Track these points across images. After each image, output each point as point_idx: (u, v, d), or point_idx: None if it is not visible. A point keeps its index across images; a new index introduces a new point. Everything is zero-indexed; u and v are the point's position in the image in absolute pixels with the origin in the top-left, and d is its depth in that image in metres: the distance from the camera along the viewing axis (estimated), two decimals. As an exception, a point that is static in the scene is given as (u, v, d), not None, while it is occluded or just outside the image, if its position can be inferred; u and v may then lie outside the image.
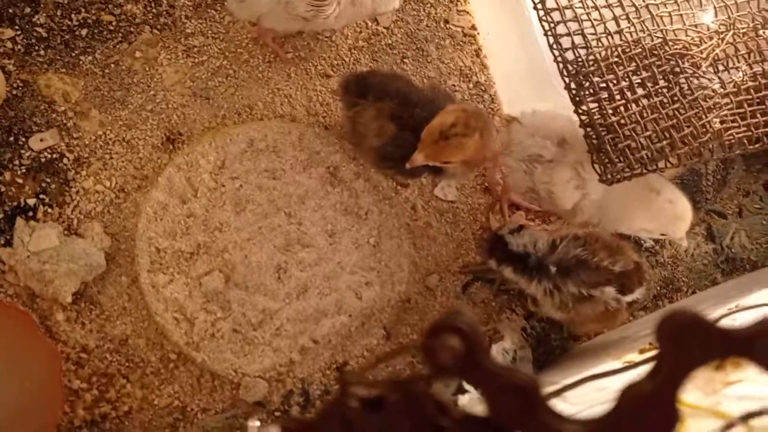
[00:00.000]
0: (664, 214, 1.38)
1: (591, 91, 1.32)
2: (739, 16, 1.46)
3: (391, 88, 1.33)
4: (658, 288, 1.60)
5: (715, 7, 1.46)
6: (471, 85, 1.66)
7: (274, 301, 1.37)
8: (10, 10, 1.42)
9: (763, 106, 1.43)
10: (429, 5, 1.68)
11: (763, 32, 1.46)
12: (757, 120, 1.41)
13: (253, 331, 1.35)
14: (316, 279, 1.39)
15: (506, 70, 1.66)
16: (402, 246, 1.47)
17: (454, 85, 1.65)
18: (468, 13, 1.70)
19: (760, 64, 1.45)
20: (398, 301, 1.45)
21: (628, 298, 1.31)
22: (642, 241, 1.61)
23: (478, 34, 1.70)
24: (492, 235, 1.37)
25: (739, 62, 1.44)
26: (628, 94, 1.32)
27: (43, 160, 1.37)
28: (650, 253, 1.63)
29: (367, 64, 1.60)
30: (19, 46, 1.41)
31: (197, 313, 1.33)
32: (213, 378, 1.36)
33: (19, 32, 1.41)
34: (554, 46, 1.33)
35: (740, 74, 1.43)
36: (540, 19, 1.34)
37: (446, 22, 1.69)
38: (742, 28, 1.45)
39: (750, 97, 1.42)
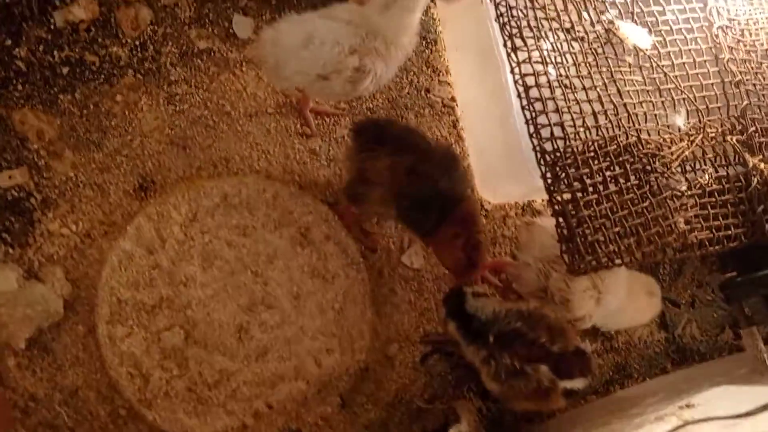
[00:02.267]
0: (655, 309, 1.48)
1: (566, 182, 1.31)
2: (709, 120, 1.48)
3: (409, 141, 1.34)
4: (610, 373, 1.60)
5: (687, 110, 1.47)
6: (447, 156, 1.65)
7: (233, 362, 1.32)
8: (-12, 42, 1.36)
9: (725, 210, 1.45)
10: (412, 73, 1.67)
11: (731, 138, 1.48)
12: (719, 222, 1.42)
13: (209, 392, 1.30)
14: (277, 342, 1.35)
15: (482, 145, 1.65)
16: (365, 313, 1.44)
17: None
18: (449, 84, 1.70)
19: (725, 168, 1.47)
20: (357, 369, 1.41)
21: (566, 382, 1.31)
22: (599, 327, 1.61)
23: (457, 106, 1.70)
24: (457, 287, 1.38)
25: (706, 165, 1.46)
26: (601, 188, 1.32)
27: (9, 198, 1.31)
28: (605, 338, 1.62)
29: (346, 126, 1.57)
30: None
31: (153, 370, 1.28)
32: (162, 437, 1.30)
33: None
34: (534, 135, 1.32)
35: (706, 177, 1.45)
36: (522, 108, 1.33)
37: (427, 91, 1.68)
38: (711, 133, 1.47)
39: (714, 199, 1.43)
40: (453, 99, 1.70)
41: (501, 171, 1.62)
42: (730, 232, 1.43)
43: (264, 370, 1.33)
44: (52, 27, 1.40)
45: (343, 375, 1.39)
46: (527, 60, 1.34)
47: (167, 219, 1.35)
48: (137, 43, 1.45)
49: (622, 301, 1.46)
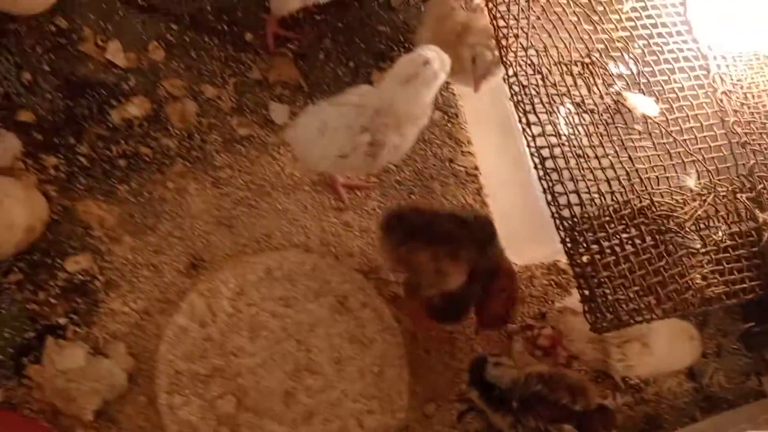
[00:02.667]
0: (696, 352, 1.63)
1: (584, 246, 1.39)
2: (719, 180, 1.55)
3: (441, 228, 1.42)
4: (642, 424, 1.65)
5: (697, 171, 1.55)
6: (473, 220, 1.74)
7: (281, 426, 1.41)
8: (55, 140, 1.50)
9: (740, 264, 1.51)
10: (436, 146, 1.78)
11: (741, 195, 1.55)
12: (734, 277, 1.48)
13: None
14: (321, 406, 1.43)
15: (506, 210, 1.75)
16: (402, 374, 1.52)
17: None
18: (471, 154, 1.81)
19: (738, 224, 1.54)
20: (397, 428, 1.49)
21: None
22: (628, 378, 1.67)
23: (480, 174, 1.80)
24: (479, 356, 1.47)
25: (718, 222, 1.53)
26: (619, 250, 1.40)
27: (76, 281, 1.43)
28: (635, 390, 1.68)
29: (377, 198, 1.68)
30: (62, 173, 1.49)
31: None
32: (218, 497, 1.38)
33: (62, 160, 1.49)
34: (551, 203, 1.41)
35: (720, 234, 1.52)
36: (539, 178, 1.43)
37: (451, 161, 1.78)
38: (722, 191, 1.54)
39: (728, 255, 1.50)
40: (476, 168, 1.80)
41: (525, 234, 1.70)
42: (745, 285, 1.49)
43: (312, 432, 1.42)
44: (110, 125, 1.54)
45: (384, 435, 1.47)
46: (541, 134, 1.44)
47: (217, 294, 1.46)
48: (185, 134, 1.59)
49: (665, 348, 1.57)
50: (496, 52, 1.49)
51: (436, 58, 1.34)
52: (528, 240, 1.69)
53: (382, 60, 1.79)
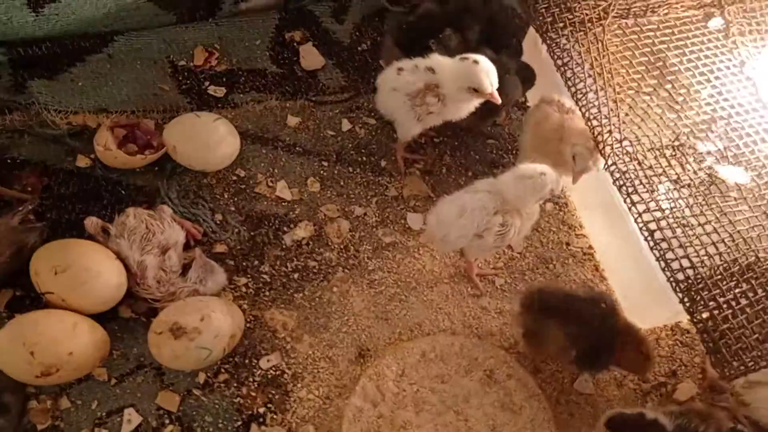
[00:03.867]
0: None
1: (702, 304, 1.51)
2: (818, 230, 1.65)
3: (573, 310, 1.59)
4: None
5: (796, 224, 1.66)
6: (595, 294, 1.89)
7: None
8: (244, 263, 1.79)
9: None
10: (552, 232, 1.96)
11: None
12: None
13: None
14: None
15: (623, 281, 1.88)
16: (552, 436, 1.64)
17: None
18: (585, 236, 1.97)
19: None
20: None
21: None
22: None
23: (595, 252, 1.96)
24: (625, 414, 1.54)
25: (825, 267, 1.61)
26: (734, 304, 1.51)
27: (269, 376, 1.67)
28: None
29: (507, 282, 1.87)
30: (251, 290, 1.77)
31: None
32: None
33: (250, 279, 1.78)
34: (665, 269, 1.56)
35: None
36: (651, 248, 1.58)
37: (567, 244, 1.95)
38: None
39: None
40: (590, 247, 1.96)
41: (644, 301, 1.82)
42: None
43: (480, 491, 1.55)
44: (284, 246, 1.81)
45: (540, 492, 1.58)
46: (646, 210, 1.61)
47: (383, 377, 1.66)
48: (342, 247, 1.85)
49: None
50: (593, 150, 1.69)
51: (552, 175, 1.56)
52: (648, 306, 1.81)
53: (495, 167, 2.03)
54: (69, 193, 1.78)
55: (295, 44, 2.10)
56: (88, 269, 1.55)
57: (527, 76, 1.94)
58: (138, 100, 1.93)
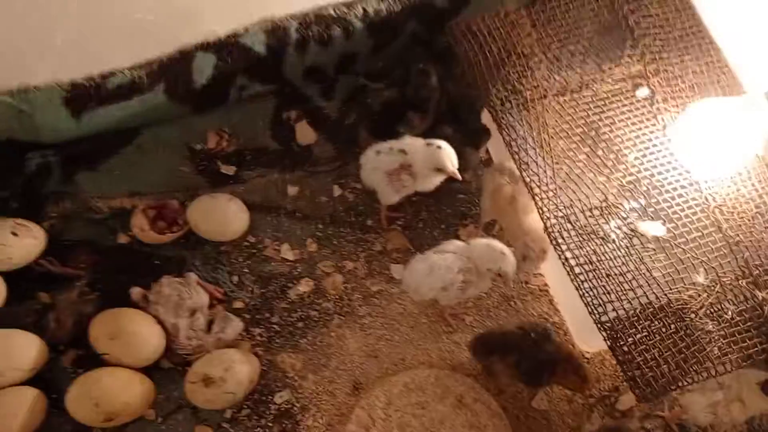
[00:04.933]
0: None
1: (622, 341, 1.86)
2: (723, 273, 1.96)
3: (510, 343, 1.94)
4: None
5: (705, 270, 1.95)
6: (549, 324, 2.23)
7: None
8: (257, 316, 2.16)
9: (750, 333, 1.88)
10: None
11: (742, 281, 1.93)
12: (746, 344, 1.84)
13: None
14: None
15: (572, 313, 2.22)
16: (511, 449, 2.01)
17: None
18: (542, 275, 2.32)
19: (744, 303, 1.92)
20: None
21: None
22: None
23: (550, 288, 2.30)
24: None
25: (728, 305, 1.93)
26: (647, 339, 1.83)
27: (282, 409, 2.01)
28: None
29: (475, 319, 2.23)
30: (264, 338, 2.12)
31: None
32: None
33: (263, 329, 2.13)
34: (592, 313, 1.89)
35: (729, 313, 1.92)
36: (581, 296, 1.92)
37: (526, 283, 2.29)
38: (726, 281, 1.94)
39: (739, 328, 1.87)
40: (546, 285, 2.28)
41: (588, 329, 2.16)
42: (757, 349, 1.80)
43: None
44: (289, 300, 2.12)
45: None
46: (577, 264, 1.94)
47: (373, 406, 2.02)
48: (337, 297, 2.19)
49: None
50: (543, 254, 2.01)
51: (510, 261, 1.89)
52: (593, 333, 2.14)
53: (464, 218, 2.37)
54: (114, 266, 2.16)
55: (291, 122, 2.44)
56: (135, 334, 1.94)
57: (484, 135, 2.29)
58: (164, 183, 2.28)
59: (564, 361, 1.95)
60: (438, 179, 2.09)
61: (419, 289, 1.97)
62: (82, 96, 2.02)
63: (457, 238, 2.26)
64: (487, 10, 2.20)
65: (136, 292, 2.04)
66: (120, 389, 1.86)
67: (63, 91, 1.97)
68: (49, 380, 1.98)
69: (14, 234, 1.94)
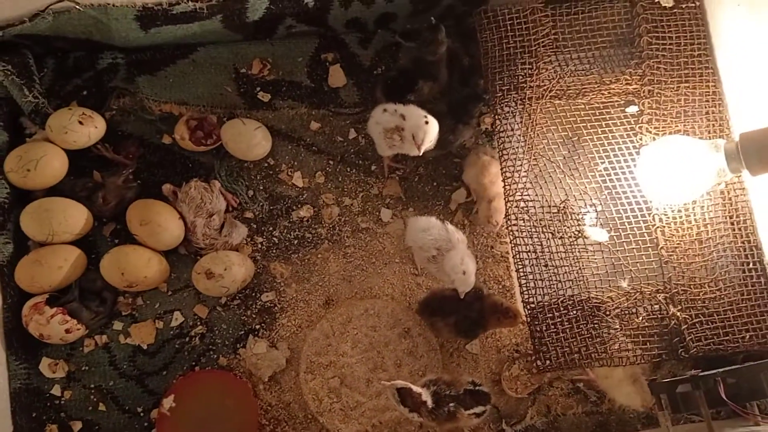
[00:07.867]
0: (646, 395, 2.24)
1: (540, 319, 2.20)
2: (646, 284, 2.25)
3: (448, 306, 2.28)
4: (593, 427, 2.41)
5: (632, 278, 2.26)
6: (500, 287, 2.55)
7: (363, 397, 2.29)
8: (262, 228, 2.50)
9: (654, 339, 2.14)
10: (483, 237, 2.58)
11: (660, 295, 2.20)
12: (647, 346, 2.14)
13: (351, 411, 2.29)
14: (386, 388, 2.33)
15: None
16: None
17: (491, 287, 2.56)
18: (506, 243, 2.63)
19: (657, 313, 2.22)
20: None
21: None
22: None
23: (510, 256, 2.62)
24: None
25: (641, 311, 2.24)
26: (560, 323, 2.19)
27: (266, 306, 2.39)
28: (594, 405, 2.42)
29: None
30: (263, 246, 2.45)
31: (324, 397, 2.28)
32: (328, 430, 2.41)
33: (264, 239, 2.50)
34: (522, 293, 2.22)
35: (640, 318, 2.23)
36: (517, 278, 2.25)
37: (491, 248, 2.58)
38: (647, 292, 2.22)
39: (645, 332, 2.18)
40: (507, 253, 2.61)
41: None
42: (655, 352, 2.09)
43: (378, 403, 2.36)
44: (291, 220, 2.42)
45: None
46: (522, 251, 2.25)
47: (338, 320, 2.41)
48: (330, 226, 2.51)
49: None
50: (498, 220, 2.32)
51: (469, 264, 2.14)
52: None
53: (455, 181, 2.65)
54: (155, 162, 2.56)
55: (327, 63, 2.71)
56: (160, 224, 2.36)
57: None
58: (208, 97, 2.57)
59: (491, 313, 2.25)
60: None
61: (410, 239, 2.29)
62: (150, 16, 2.34)
63: (449, 199, 2.55)
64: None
65: (167, 187, 2.45)
66: (143, 265, 2.32)
67: (135, 11, 2.30)
68: (91, 243, 2.44)
69: (80, 122, 2.34)
